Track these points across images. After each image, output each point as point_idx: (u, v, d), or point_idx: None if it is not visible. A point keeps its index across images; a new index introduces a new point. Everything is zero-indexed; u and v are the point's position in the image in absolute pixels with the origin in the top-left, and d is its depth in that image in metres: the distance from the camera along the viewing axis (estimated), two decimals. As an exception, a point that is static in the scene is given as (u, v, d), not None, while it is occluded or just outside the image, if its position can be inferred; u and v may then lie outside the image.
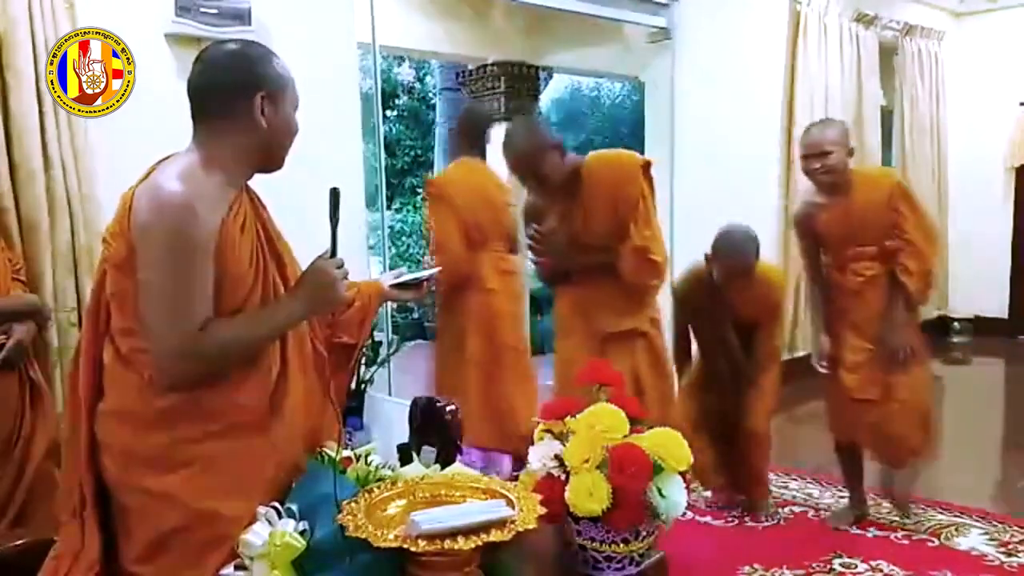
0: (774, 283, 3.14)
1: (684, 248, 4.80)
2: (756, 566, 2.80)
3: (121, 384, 1.51)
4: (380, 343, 2.23)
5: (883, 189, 2.88)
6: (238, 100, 1.52)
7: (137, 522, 1.49)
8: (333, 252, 1.59)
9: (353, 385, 2.23)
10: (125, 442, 1.49)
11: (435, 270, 2.01)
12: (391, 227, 8.13)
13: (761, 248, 3.03)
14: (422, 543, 1.27)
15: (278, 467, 1.54)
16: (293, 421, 1.58)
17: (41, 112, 2.51)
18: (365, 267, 3.61)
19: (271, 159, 1.60)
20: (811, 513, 3.30)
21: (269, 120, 1.54)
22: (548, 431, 1.71)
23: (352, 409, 2.14)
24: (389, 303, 3.22)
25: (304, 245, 1.70)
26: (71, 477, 1.57)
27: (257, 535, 1.40)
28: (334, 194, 1.60)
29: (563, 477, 1.58)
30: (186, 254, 1.42)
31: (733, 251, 2.93)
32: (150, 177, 1.49)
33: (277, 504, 1.45)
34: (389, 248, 5.89)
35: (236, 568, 1.41)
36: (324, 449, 1.60)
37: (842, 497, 3.30)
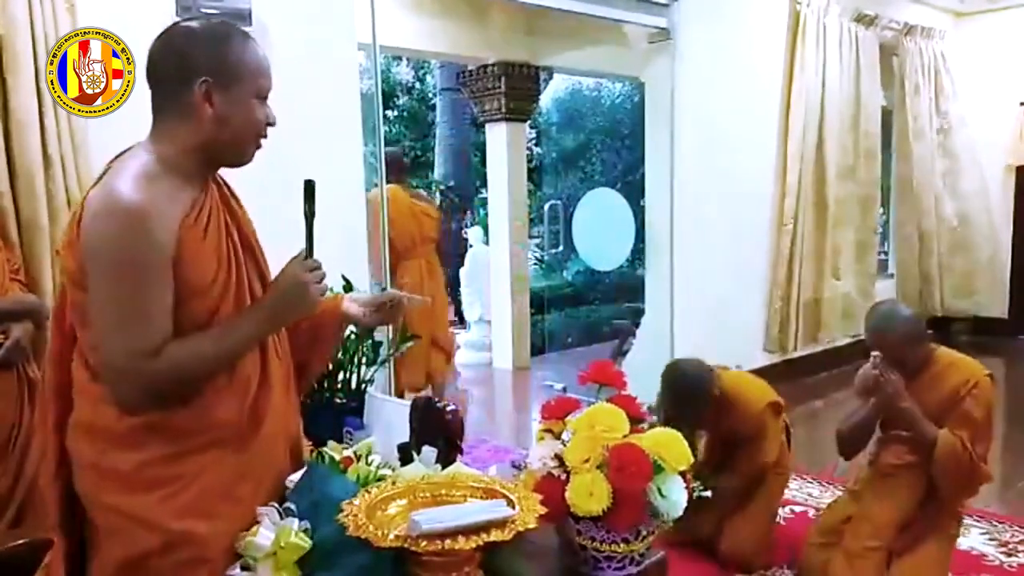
0: (752, 399, 2.89)
1: (683, 247, 4.82)
2: (756, 566, 2.80)
3: (90, 398, 1.38)
4: (380, 343, 2.22)
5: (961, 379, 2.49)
6: (179, 87, 1.35)
7: (107, 541, 1.37)
8: (309, 252, 1.44)
9: (354, 384, 2.22)
10: (94, 458, 1.36)
11: (418, 297, 1.80)
12: (391, 227, 8.12)
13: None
14: (423, 543, 1.26)
15: (258, 483, 1.44)
16: (275, 433, 1.48)
17: (41, 112, 2.50)
18: (367, 267, 3.61)
19: (231, 155, 1.42)
20: (811, 513, 3.30)
21: (218, 111, 1.35)
22: (548, 431, 1.70)
23: (352, 409, 2.13)
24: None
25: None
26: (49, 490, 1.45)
27: (264, 536, 1.39)
28: (309, 187, 1.44)
29: (563, 477, 1.58)
30: (137, 269, 1.27)
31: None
32: (103, 180, 1.34)
33: (276, 505, 1.44)
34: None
35: (242, 569, 1.40)
36: (325, 449, 1.60)
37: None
